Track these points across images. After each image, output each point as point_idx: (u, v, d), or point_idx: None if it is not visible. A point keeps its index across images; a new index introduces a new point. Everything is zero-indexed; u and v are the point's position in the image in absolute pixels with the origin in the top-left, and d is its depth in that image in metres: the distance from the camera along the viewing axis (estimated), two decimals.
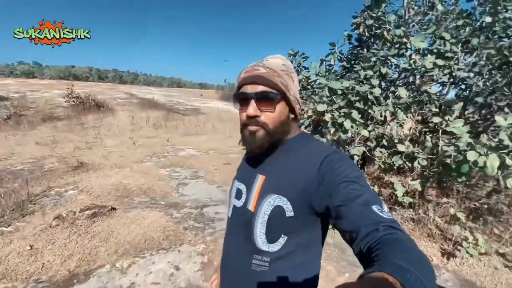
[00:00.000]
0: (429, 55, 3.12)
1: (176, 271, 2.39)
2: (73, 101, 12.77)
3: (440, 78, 3.19)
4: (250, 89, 0.73)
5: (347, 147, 3.23)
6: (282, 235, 0.73)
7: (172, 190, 4.22)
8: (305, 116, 3.58)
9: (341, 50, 3.89)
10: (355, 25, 3.74)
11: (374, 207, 0.58)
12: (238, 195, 0.85)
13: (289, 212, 0.70)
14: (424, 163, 2.88)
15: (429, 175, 3.03)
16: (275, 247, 0.73)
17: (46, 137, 7.83)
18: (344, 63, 3.90)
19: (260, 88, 0.72)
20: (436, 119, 2.92)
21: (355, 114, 2.90)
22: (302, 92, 3.81)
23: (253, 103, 0.72)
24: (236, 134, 9.60)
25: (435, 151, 2.94)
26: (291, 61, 3.71)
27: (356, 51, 3.84)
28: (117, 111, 13.18)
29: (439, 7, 3.36)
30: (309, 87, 3.59)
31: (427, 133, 3.38)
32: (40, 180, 4.44)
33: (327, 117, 3.08)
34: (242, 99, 0.75)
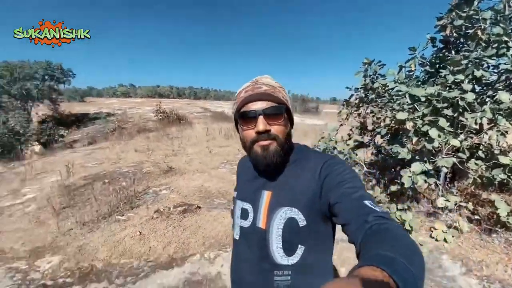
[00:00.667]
0: None
1: None
2: (161, 115, 14.97)
3: None
4: (255, 106, 0.75)
5: (432, 158, 2.98)
6: (299, 246, 0.74)
7: None
8: (382, 124, 3.46)
9: (422, 55, 3.65)
10: (440, 27, 3.48)
11: (367, 202, 0.61)
12: (244, 215, 0.84)
13: (302, 222, 0.73)
14: None
15: None
16: (294, 259, 0.74)
17: (141, 145, 9.38)
18: (427, 67, 3.63)
19: (267, 104, 0.75)
20: None
21: (442, 122, 2.68)
22: (377, 100, 3.70)
23: (261, 119, 0.74)
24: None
25: None
26: (366, 69, 3.66)
27: (441, 54, 3.54)
28: (194, 123, 14.81)
29: None
30: (386, 94, 3.46)
31: None
32: (141, 181, 5.38)
33: (409, 125, 2.93)
34: (247, 118, 0.76)
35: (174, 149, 8.60)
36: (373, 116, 3.89)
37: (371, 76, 3.64)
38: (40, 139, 13.46)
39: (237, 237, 0.86)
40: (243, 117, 0.77)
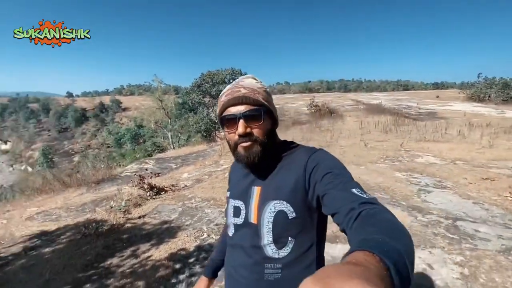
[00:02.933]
0: None
1: (430, 269, 2.35)
2: (313, 109, 15.75)
3: None
4: (235, 110, 0.77)
5: None
6: (290, 238, 0.75)
7: (412, 194, 4.05)
8: None
9: None
10: None
11: (354, 190, 0.61)
12: (236, 212, 0.85)
13: (291, 214, 0.74)
14: None
15: None
16: (284, 252, 0.75)
17: (297, 136, 10.33)
18: None
19: (245, 107, 0.76)
20: None
21: None
22: None
23: (242, 122, 0.75)
24: (497, 143, 7.18)
25: None
26: None
27: None
28: (345, 116, 14.52)
29: None
30: None
31: None
32: None
33: None
34: (229, 121, 0.78)
35: (327, 140, 8.90)
36: None
37: None
38: None
39: (231, 234, 0.88)
40: (224, 121, 0.80)
